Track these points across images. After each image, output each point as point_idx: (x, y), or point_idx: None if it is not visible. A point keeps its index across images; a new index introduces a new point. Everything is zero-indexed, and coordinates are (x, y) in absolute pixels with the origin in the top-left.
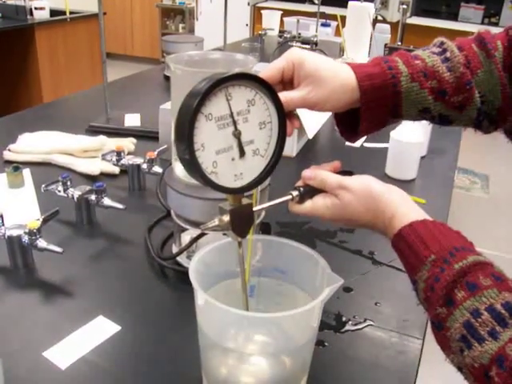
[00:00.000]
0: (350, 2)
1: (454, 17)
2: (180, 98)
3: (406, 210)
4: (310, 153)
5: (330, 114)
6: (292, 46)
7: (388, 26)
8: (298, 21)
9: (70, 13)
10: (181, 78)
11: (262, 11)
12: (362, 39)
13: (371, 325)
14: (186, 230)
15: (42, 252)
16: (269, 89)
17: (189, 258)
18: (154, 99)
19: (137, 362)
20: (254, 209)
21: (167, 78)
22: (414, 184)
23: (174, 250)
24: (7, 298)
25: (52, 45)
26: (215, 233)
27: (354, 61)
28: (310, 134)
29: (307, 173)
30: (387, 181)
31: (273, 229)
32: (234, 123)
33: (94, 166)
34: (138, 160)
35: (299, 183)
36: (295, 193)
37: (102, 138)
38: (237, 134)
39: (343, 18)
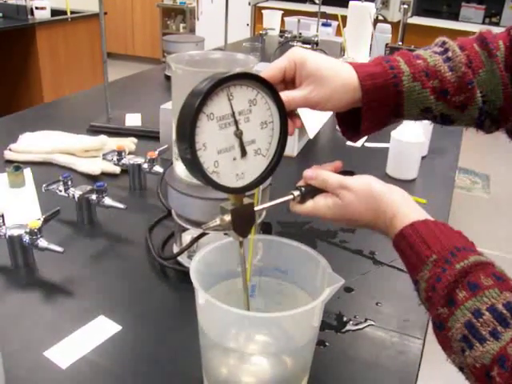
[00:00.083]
0: (350, 2)
1: (454, 17)
2: (181, 98)
3: (407, 209)
4: (311, 152)
5: (330, 113)
6: (293, 45)
7: (389, 26)
8: (298, 20)
9: (71, 12)
10: (182, 78)
11: (263, 11)
12: (362, 39)
13: (372, 325)
14: (187, 229)
15: (43, 252)
16: (270, 88)
17: (190, 257)
18: (154, 99)
19: (137, 361)
20: (256, 208)
21: (168, 78)
22: (414, 184)
23: (175, 249)
24: (8, 297)
25: (53, 44)
26: (216, 232)
27: (355, 61)
28: (311, 134)
29: (308, 173)
30: (388, 181)
31: (274, 228)
32: (236, 123)
33: (95, 166)
34: (139, 160)
35: (300, 183)
36: (296, 193)
37: (102, 137)
38: (238, 134)
39: (344, 18)
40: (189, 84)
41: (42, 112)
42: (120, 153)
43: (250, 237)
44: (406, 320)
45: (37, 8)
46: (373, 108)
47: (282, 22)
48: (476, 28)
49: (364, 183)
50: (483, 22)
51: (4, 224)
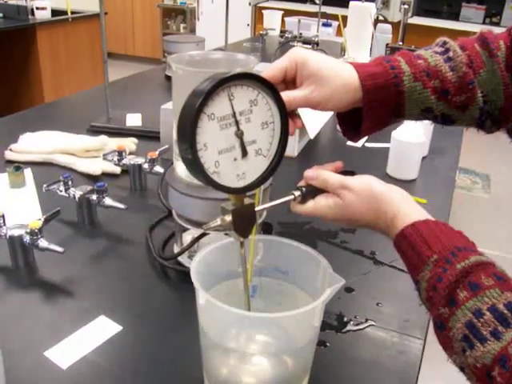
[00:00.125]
0: (351, 2)
1: (455, 17)
2: (181, 98)
3: (408, 209)
4: (312, 153)
5: (331, 113)
6: (293, 46)
7: (389, 26)
8: (299, 21)
9: (72, 13)
10: (182, 78)
11: (264, 11)
12: (363, 39)
13: (372, 325)
14: (188, 229)
15: (44, 252)
16: (271, 89)
17: (190, 257)
18: (155, 99)
19: (138, 362)
20: (256, 209)
21: (168, 78)
22: (415, 184)
23: (176, 249)
24: (8, 297)
25: (53, 45)
26: (217, 233)
27: (356, 61)
28: (312, 134)
29: (309, 173)
30: (388, 181)
31: (274, 229)
32: (237, 123)
33: (96, 166)
34: (140, 160)
35: (301, 183)
36: (297, 193)
37: (103, 137)
38: (239, 134)
39: (344, 18)
40: (189, 84)
41: (43, 112)
42: (120, 153)
43: (251, 237)
44: (406, 320)
45: (37, 8)
46: (373, 108)
47: (283, 22)
48: (476, 28)
49: (365, 183)
50: (483, 22)
51: (4, 224)
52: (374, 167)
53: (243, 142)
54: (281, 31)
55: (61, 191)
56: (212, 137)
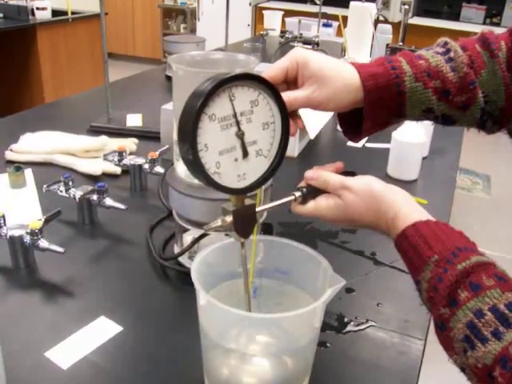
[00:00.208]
0: (351, 3)
1: (455, 17)
2: (182, 99)
3: (409, 210)
4: (312, 153)
5: (331, 114)
6: (294, 46)
7: (390, 27)
8: (299, 21)
9: (72, 13)
10: (183, 79)
11: (264, 11)
12: (363, 39)
13: (373, 325)
14: (188, 230)
15: (44, 252)
16: (272, 89)
17: (191, 258)
18: (155, 99)
19: (138, 362)
20: (257, 209)
21: (169, 79)
22: (415, 184)
23: (176, 250)
24: (9, 297)
25: (54, 45)
26: (217, 233)
27: (356, 61)
28: (312, 135)
29: (310, 173)
30: (389, 181)
31: (274, 229)
32: (238, 124)
33: (96, 166)
34: (140, 160)
35: (302, 184)
36: (298, 193)
37: (103, 138)
38: (240, 135)
39: (345, 19)
40: (190, 84)
41: (43, 112)
42: (121, 153)
43: (252, 238)
44: (406, 321)
45: (38, 8)
46: (375, 108)
47: (283, 22)
48: (477, 28)
49: (365, 184)
50: (484, 23)
51: (5, 224)
52: (375, 168)
53: (244, 143)
54: (281, 31)
55: (61, 191)
56: (213, 137)
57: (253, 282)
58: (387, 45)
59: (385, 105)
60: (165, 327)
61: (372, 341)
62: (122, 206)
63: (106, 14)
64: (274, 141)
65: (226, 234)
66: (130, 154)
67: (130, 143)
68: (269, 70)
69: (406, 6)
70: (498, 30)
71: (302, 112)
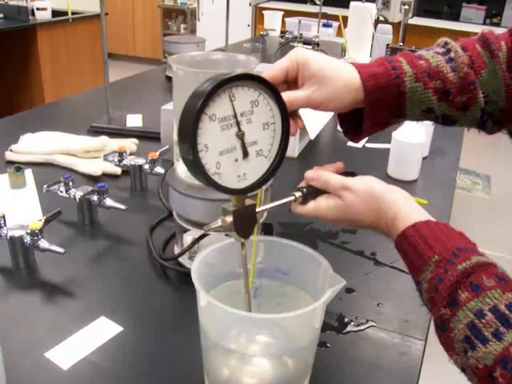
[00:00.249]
0: (351, 3)
1: (455, 17)
2: (182, 99)
3: (409, 210)
4: (312, 153)
5: (331, 114)
6: (294, 46)
7: (390, 27)
8: (299, 21)
9: (72, 13)
10: (183, 79)
11: (264, 12)
12: (363, 40)
13: (373, 326)
14: (188, 230)
15: (44, 252)
16: (272, 89)
17: (191, 258)
18: (155, 100)
19: (139, 362)
20: (257, 210)
21: (169, 79)
22: (415, 185)
23: (176, 250)
24: (9, 298)
25: (54, 45)
26: (217, 233)
27: (356, 61)
28: (312, 135)
29: (310, 174)
30: (389, 181)
31: (275, 229)
32: (238, 124)
33: (96, 167)
34: (140, 160)
35: (302, 184)
36: (298, 194)
37: (103, 138)
38: (240, 135)
39: (345, 19)
40: (190, 85)
41: (43, 113)
42: (121, 154)
43: (252, 238)
44: (407, 321)
45: (38, 9)
46: (375, 108)
47: (283, 22)
48: (477, 28)
49: (365, 184)
50: (484, 23)
51: (5, 225)
52: (375, 168)
53: (244, 143)
54: (281, 32)
55: (61, 192)
56: (213, 138)
57: (253, 282)
58: (387, 45)
59: (385, 105)
60: (165, 327)
61: (372, 341)
62: (122, 207)
63: (106, 14)
64: (274, 141)
65: (227, 235)
66: (130, 154)
67: (131, 143)
68: (269, 70)
69: (406, 6)
70: (498, 30)
71: (302, 112)
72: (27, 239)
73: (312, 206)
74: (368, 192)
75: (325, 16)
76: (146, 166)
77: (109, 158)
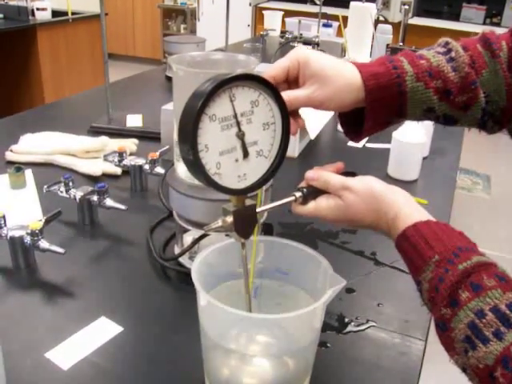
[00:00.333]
0: (351, 3)
1: (455, 17)
2: (182, 99)
3: (409, 210)
4: (312, 153)
5: (331, 114)
6: (294, 46)
7: (390, 27)
8: (299, 21)
9: (72, 13)
10: (183, 79)
11: (264, 12)
12: (363, 40)
13: (373, 326)
14: (188, 230)
15: (44, 253)
16: (272, 90)
17: (191, 258)
18: (155, 100)
19: (139, 362)
20: (258, 210)
21: (169, 79)
22: (416, 185)
23: (176, 250)
24: (9, 298)
25: (54, 45)
26: (218, 234)
27: (356, 61)
28: (312, 135)
29: (310, 174)
30: (389, 181)
31: (275, 230)
32: (238, 124)
33: (96, 167)
34: (140, 161)
35: (302, 184)
36: (298, 194)
37: (103, 138)
38: (240, 135)
39: (345, 19)
40: (190, 85)
41: (43, 113)
42: (121, 154)
43: (253, 238)
44: (407, 321)
45: (38, 9)
46: (376, 108)
47: (283, 22)
48: (477, 28)
49: (366, 184)
50: (484, 23)
51: (5, 225)
52: (375, 168)
53: (244, 143)
54: (281, 32)
55: (61, 192)
56: (213, 138)
57: (253, 282)
58: (387, 45)
59: (386, 104)
60: (165, 327)
61: (372, 341)
62: (122, 207)
63: (106, 14)
64: (274, 141)
65: (227, 235)
66: (131, 154)
67: (131, 144)
68: (270, 70)
69: (406, 6)
70: (498, 30)
71: (303, 112)
72: (27, 239)
73: (312, 206)
74: (368, 192)
75: (325, 16)
76: (146, 166)
77: (109, 158)
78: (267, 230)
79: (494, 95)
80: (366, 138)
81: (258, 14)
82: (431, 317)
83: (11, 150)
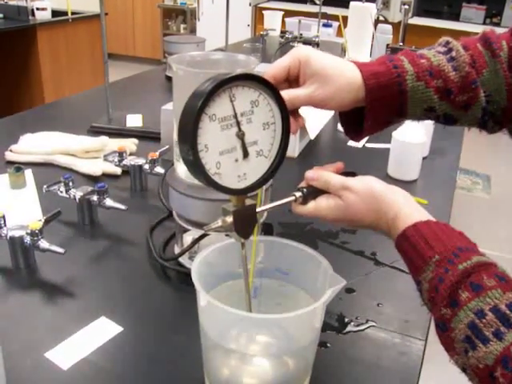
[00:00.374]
0: (351, 3)
1: (455, 17)
2: (182, 99)
3: (409, 210)
4: (312, 153)
5: (331, 114)
6: (294, 46)
7: (390, 27)
8: (299, 21)
9: (72, 13)
10: (183, 79)
11: (264, 12)
12: (363, 40)
13: (373, 326)
14: (188, 230)
15: (44, 253)
16: (272, 89)
17: (191, 258)
18: (155, 100)
19: (139, 362)
20: (258, 210)
21: (169, 79)
22: (415, 185)
23: (176, 250)
24: (9, 298)
25: (54, 45)
26: (218, 233)
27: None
28: (312, 135)
29: (310, 174)
30: (389, 181)
31: (275, 229)
32: (238, 124)
33: (96, 167)
34: (140, 161)
35: (302, 184)
36: (298, 194)
37: (103, 138)
38: (240, 135)
39: (345, 19)
40: (190, 85)
41: (43, 113)
42: (121, 154)
43: (253, 238)
44: (407, 321)
45: (38, 9)
46: (376, 107)
47: (283, 22)
48: (477, 28)
49: (366, 184)
50: (484, 23)
51: (5, 225)
52: (375, 168)
53: (244, 143)
54: (281, 32)
55: (61, 192)
56: (213, 138)
57: (253, 282)
58: (387, 45)
59: (386, 104)
60: (165, 327)
61: (372, 341)
62: (122, 207)
63: (106, 14)
64: (274, 141)
65: (227, 235)
66: (130, 154)
67: (130, 144)
68: (271, 68)
69: (406, 6)
70: (498, 30)
71: (302, 112)
72: (27, 239)
73: (312, 206)
74: (368, 192)
75: (325, 16)
76: (146, 166)
77: (109, 158)
78: (267, 229)
79: (494, 95)
80: (366, 138)
81: (257, 14)
82: (431, 317)
83: (11, 150)
